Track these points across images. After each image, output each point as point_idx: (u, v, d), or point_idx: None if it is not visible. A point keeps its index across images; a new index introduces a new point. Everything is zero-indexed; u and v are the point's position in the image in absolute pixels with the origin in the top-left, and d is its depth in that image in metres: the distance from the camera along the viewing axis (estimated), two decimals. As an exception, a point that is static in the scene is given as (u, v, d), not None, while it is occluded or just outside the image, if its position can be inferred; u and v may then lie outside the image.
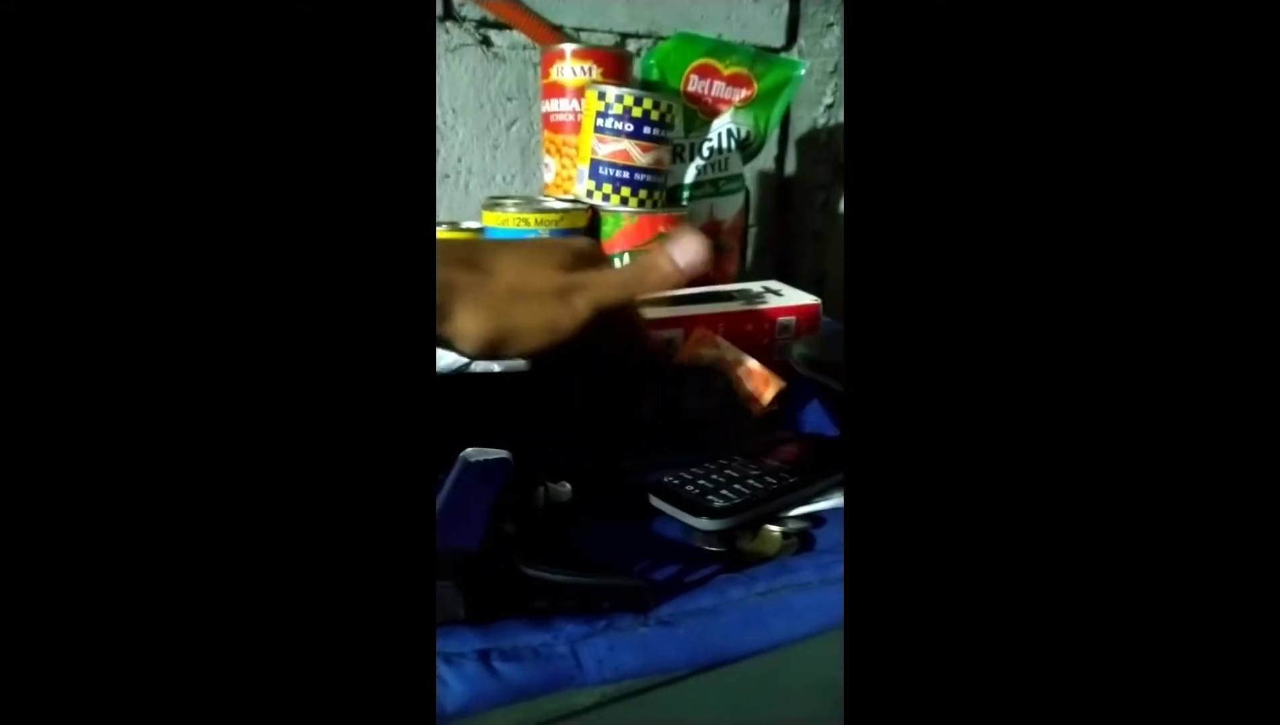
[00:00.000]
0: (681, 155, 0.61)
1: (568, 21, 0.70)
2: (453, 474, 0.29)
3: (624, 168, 0.53)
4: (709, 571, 0.27)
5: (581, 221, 0.54)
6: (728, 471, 0.33)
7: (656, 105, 0.53)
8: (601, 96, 0.53)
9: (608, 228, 0.55)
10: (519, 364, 0.43)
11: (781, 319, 0.49)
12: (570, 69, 0.57)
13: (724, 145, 0.63)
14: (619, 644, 0.22)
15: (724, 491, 0.31)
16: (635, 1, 0.72)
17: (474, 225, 0.58)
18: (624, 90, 0.52)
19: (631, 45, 0.74)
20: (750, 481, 0.31)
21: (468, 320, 0.31)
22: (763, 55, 0.64)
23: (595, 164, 0.54)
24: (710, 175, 0.63)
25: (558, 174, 0.60)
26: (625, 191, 0.54)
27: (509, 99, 0.70)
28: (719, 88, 0.64)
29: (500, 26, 0.68)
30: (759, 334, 0.48)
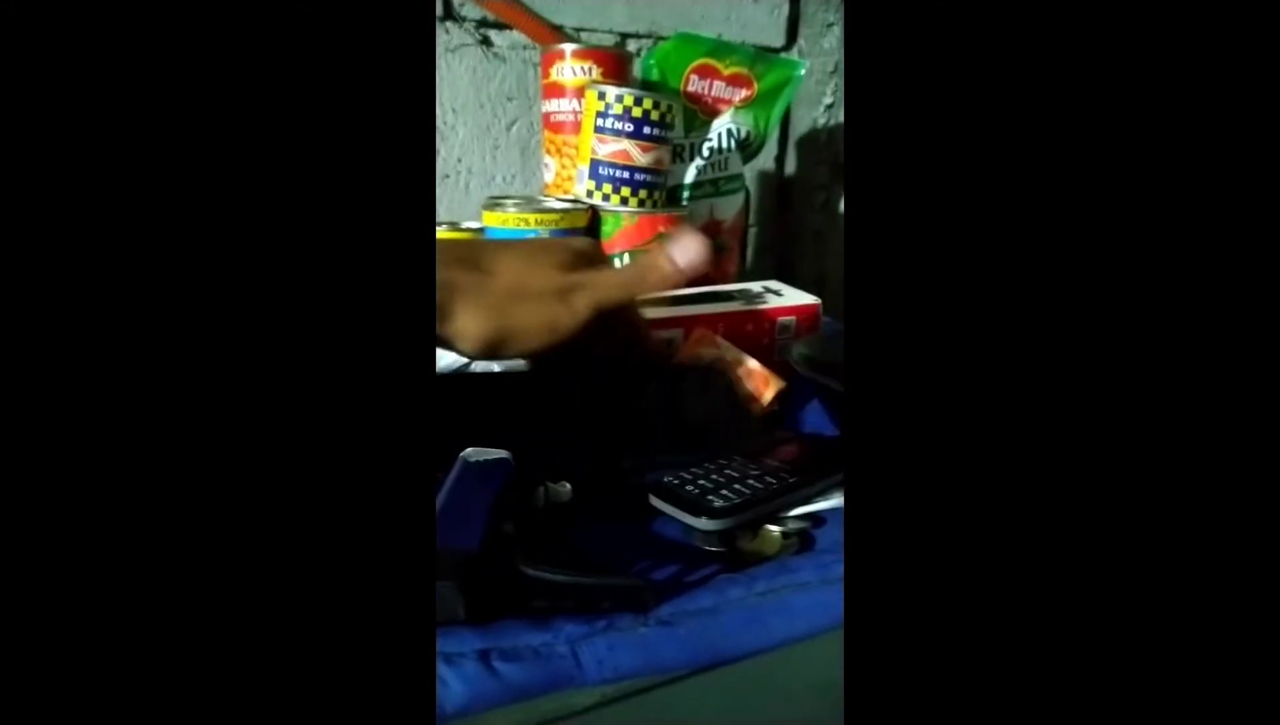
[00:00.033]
0: (681, 155, 0.61)
1: (568, 21, 0.70)
2: (452, 474, 0.29)
3: (624, 168, 0.53)
4: (709, 571, 0.27)
5: (581, 221, 0.54)
6: (728, 471, 0.33)
7: (656, 105, 0.53)
8: (601, 96, 0.53)
9: (608, 228, 0.55)
10: (519, 364, 0.43)
11: (781, 319, 0.49)
12: (570, 69, 0.57)
13: (724, 145, 0.63)
14: (619, 644, 0.22)
15: (724, 491, 0.31)
16: (635, 1, 0.72)
17: (474, 225, 0.58)
18: (624, 90, 0.52)
19: (631, 45, 0.74)
20: (750, 481, 0.31)
21: (468, 320, 0.31)
22: (763, 55, 0.64)
23: (595, 164, 0.54)
24: (710, 175, 0.63)
25: (558, 174, 0.60)
26: (625, 191, 0.54)
27: (509, 99, 0.70)
28: (719, 88, 0.64)
29: (500, 26, 0.68)
30: (759, 334, 0.48)
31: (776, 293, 0.51)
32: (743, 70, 0.64)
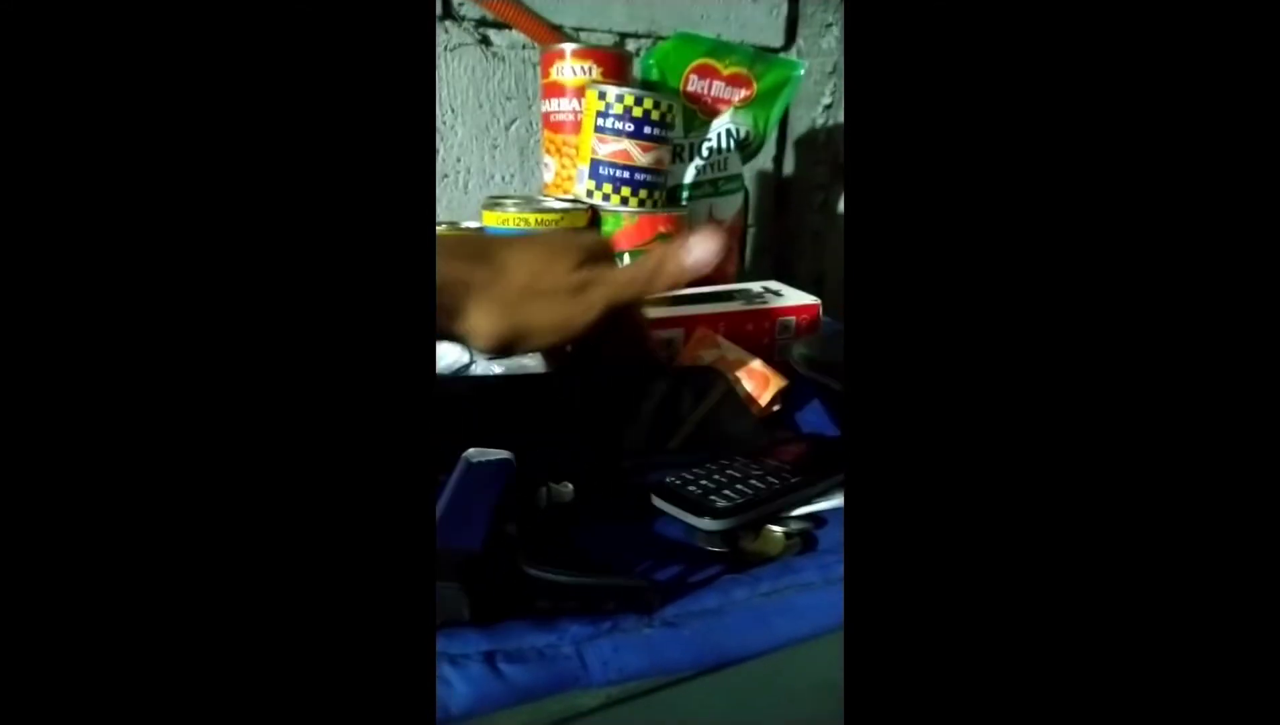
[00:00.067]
0: (681, 155, 0.61)
1: (567, 21, 0.69)
2: (455, 475, 0.29)
3: (624, 167, 0.53)
4: (712, 572, 0.27)
5: (581, 221, 0.54)
6: (729, 472, 0.33)
7: (657, 105, 0.53)
8: (602, 96, 0.53)
9: (608, 227, 0.55)
10: (525, 363, 0.43)
11: (782, 319, 0.49)
12: (570, 69, 0.57)
13: (723, 145, 0.63)
14: (624, 645, 0.22)
15: (726, 492, 0.31)
16: (634, 1, 0.72)
17: (473, 225, 0.58)
18: (624, 90, 0.52)
19: (631, 45, 0.74)
20: (752, 481, 0.31)
21: (481, 318, 0.31)
22: (762, 55, 0.64)
23: (595, 164, 0.54)
24: (709, 175, 0.63)
25: (557, 173, 0.60)
26: (625, 191, 0.54)
27: (508, 98, 0.70)
28: (718, 88, 0.64)
29: (499, 26, 0.68)
30: (759, 334, 0.48)
31: (776, 293, 0.52)
32: (742, 70, 0.64)
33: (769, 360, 0.43)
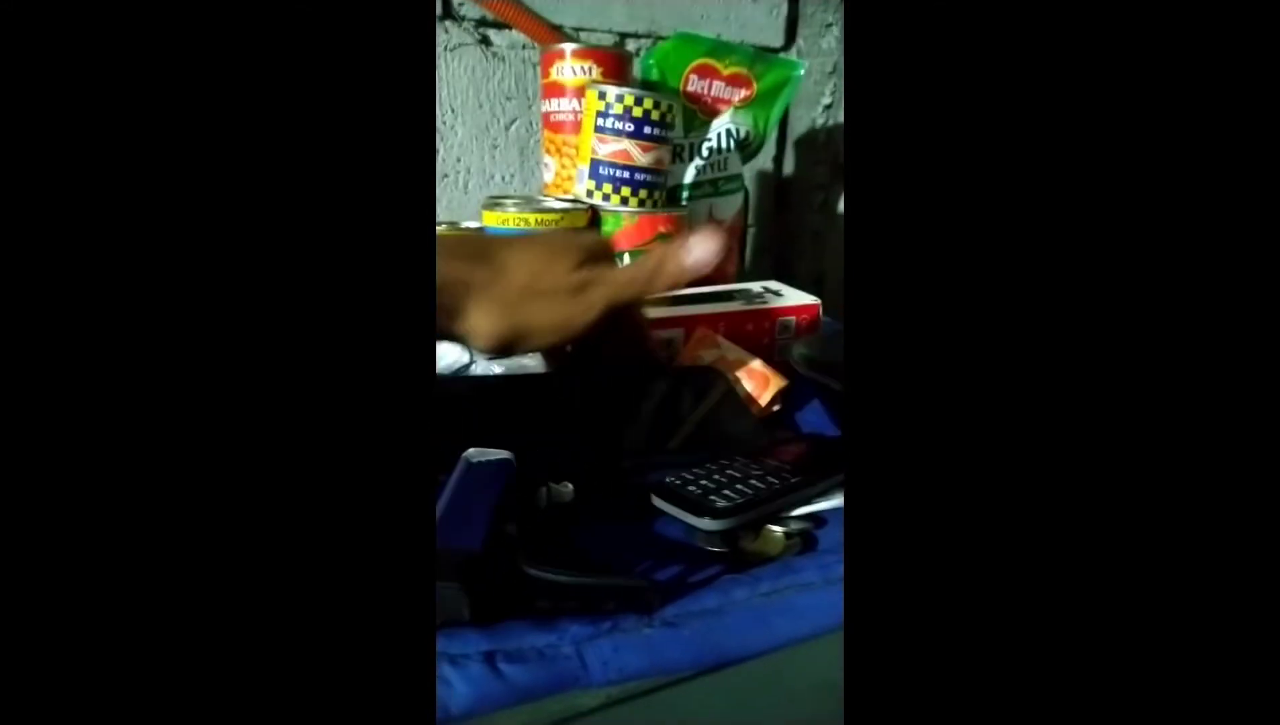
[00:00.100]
0: (681, 155, 0.61)
1: (567, 21, 0.69)
2: (454, 475, 0.29)
3: (624, 167, 0.53)
4: (712, 572, 0.27)
5: (581, 221, 0.54)
6: (729, 472, 0.33)
7: (657, 105, 0.53)
8: (602, 96, 0.53)
9: (608, 227, 0.55)
10: (525, 363, 0.43)
11: (782, 319, 0.49)
12: (570, 68, 0.57)
13: (723, 145, 0.63)
14: (624, 645, 0.22)
15: (726, 492, 0.31)
16: (634, 1, 0.72)
17: (473, 225, 0.58)
18: (624, 90, 0.52)
19: (630, 45, 0.74)
20: (752, 482, 0.31)
21: (481, 319, 0.31)
22: (762, 55, 0.64)
23: (595, 164, 0.54)
24: (709, 175, 0.63)
25: (557, 173, 0.60)
26: (625, 191, 0.54)
27: (508, 98, 0.70)
28: (718, 88, 0.64)
29: (499, 26, 0.68)
30: (759, 334, 0.48)
31: (776, 293, 0.52)
32: (742, 70, 0.64)
33: (769, 360, 0.43)
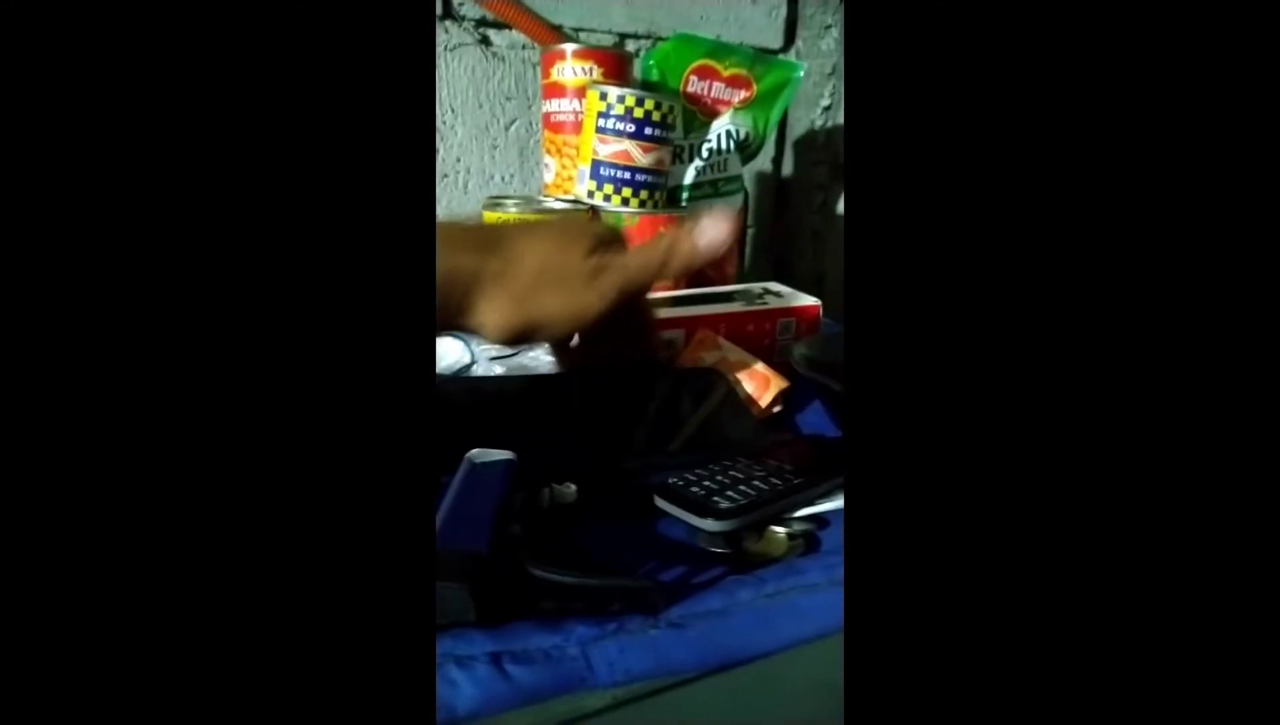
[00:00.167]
0: (681, 156, 0.61)
1: (567, 21, 0.69)
2: (458, 476, 0.29)
3: (625, 168, 0.53)
4: (716, 573, 0.27)
5: (582, 222, 0.54)
6: (732, 473, 0.33)
7: (658, 106, 0.53)
8: (603, 97, 0.53)
9: (608, 228, 0.55)
10: (526, 363, 0.43)
11: (783, 320, 0.49)
12: (571, 69, 0.57)
13: (723, 146, 0.63)
14: (629, 646, 0.22)
15: (729, 493, 0.31)
16: (634, 2, 0.72)
17: (474, 225, 0.58)
18: (626, 91, 0.52)
19: (630, 46, 0.74)
20: (755, 482, 0.31)
21: (492, 311, 0.30)
22: (762, 56, 0.64)
23: (596, 164, 0.54)
24: (709, 176, 0.63)
25: (558, 174, 0.60)
26: (626, 192, 0.54)
27: (508, 98, 0.70)
28: (718, 89, 0.64)
29: (499, 26, 0.68)
30: (760, 335, 0.48)
31: (776, 294, 0.52)
32: (742, 71, 0.64)
33: (769, 361, 0.43)
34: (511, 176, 0.73)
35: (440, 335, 0.45)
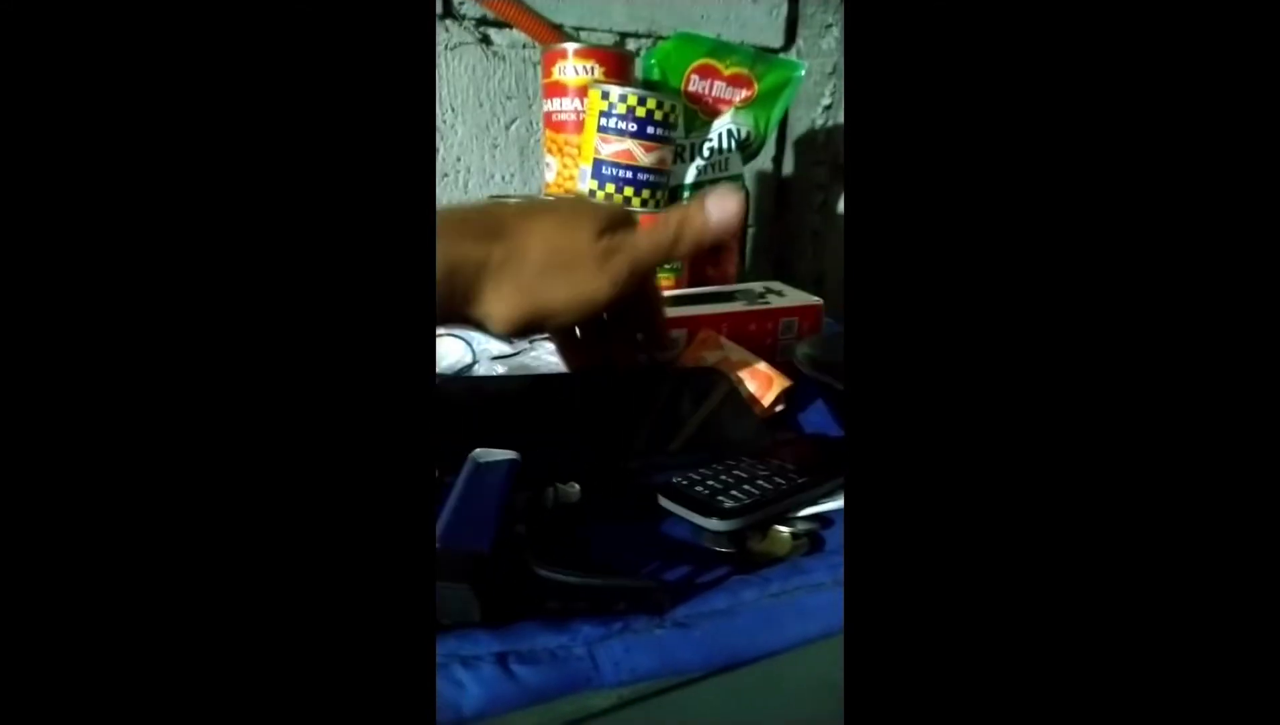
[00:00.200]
0: (682, 156, 0.61)
1: (567, 20, 0.69)
2: (462, 475, 0.29)
3: (627, 167, 0.53)
4: (721, 573, 0.27)
5: (583, 221, 0.54)
6: (736, 472, 0.33)
7: (660, 105, 0.53)
8: (605, 96, 0.53)
9: (609, 227, 0.55)
10: (527, 363, 0.43)
11: (785, 319, 0.49)
12: (572, 68, 0.57)
13: (724, 145, 0.63)
14: (635, 646, 0.22)
15: (734, 492, 0.31)
16: (635, 1, 0.72)
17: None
18: (627, 90, 0.52)
19: (631, 45, 0.74)
20: (760, 482, 0.31)
21: (498, 302, 0.29)
22: (763, 56, 0.64)
23: (598, 163, 0.54)
24: (710, 175, 0.63)
25: (559, 173, 0.60)
26: (628, 191, 0.54)
27: (508, 97, 0.70)
28: (719, 88, 0.64)
29: (500, 25, 0.68)
30: (762, 335, 0.48)
31: (778, 293, 0.52)
32: (743, 70, 0.64)
33: (772, 361, 0.43)
34: (512, 176, 0.73)
35: (445, 328, 0.45)
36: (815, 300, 0.50)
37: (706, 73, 0.63)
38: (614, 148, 0.53)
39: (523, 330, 0.31)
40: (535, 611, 0.23)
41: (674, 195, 0.61)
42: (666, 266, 0.57)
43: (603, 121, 0.53)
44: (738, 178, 0.65)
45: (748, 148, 0.65)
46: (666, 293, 0.50)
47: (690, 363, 0.43)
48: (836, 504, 0.32)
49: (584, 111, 0.55)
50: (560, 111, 0.58)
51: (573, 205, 0.35)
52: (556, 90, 0.58)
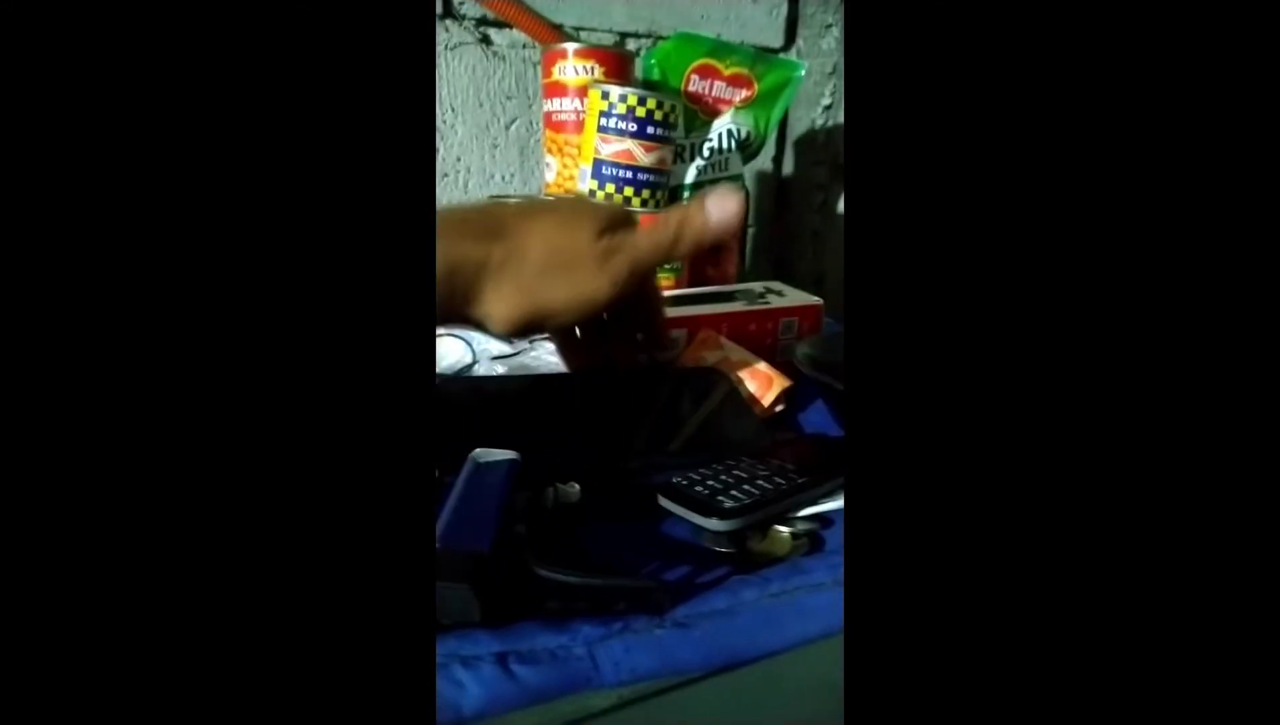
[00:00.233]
0: (682, 155, 0.61)
1: (567, 20, 0.69)
2: (462, 475, 0.29)
3: (627, 167, 0.53)
4: (721, 573, 0.27)
5: (583, 221, 0.54)
6: (736, 472, 0.33)
7: (660, 105, 0.53)
8: (605, 96, 0.53)
9: (609, 227, 0.55)
10: (527, 363, 0.43)
11: (785, 319, 0.49)
12: (572, 68, 0.57)
13: (724, 145, 0.63)
14: (635, 646, 0.22)
15: (734, 492, 0.31)
16: (635, 1, 0.72)
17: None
18: (628, 90, 0.52)
19: (631, 45, 0.74)
20: (760, 482, 0.31)
21: (497, 302, 0.29)
22: (763, 56, 0.64)
23: (598, 163, 0.54)
24: (711, 176, 0.63)
25: (559, 173, 0.60)
26: (628, 191, 0.54)
27: (508, 97, 0.70)
28: (719, 88, 0.64)
29: (500, 25, 0.68)
30: (762, 335, 0.48)
31: (778, 293, 0.52)
32: (743, 70, 0.64)
33: (772, 361, 0.43)
34: (512, 176, 0.73)
35: (444, 328, 0.45)
36: (815, 300, 0.50)
37: (706, 73, 0.63)
38: (614, 148, 0.53)
39: (523, 330, 0.31)
40: (535, 611, 0.23)
41: (674, 195, 0.61)
42: (666, 267, 0.57)
43: (603, 121, 0.53)
44: (738, 178, 0.65)
45: (748, 148, 0.65)
46: (666, 293, 0.50)
47: (690, 363, 0.43)
48: (836, 504, 0.32)
49: (584, 111, 0.55)
50: (560, 111, 0.58)
51: (573, 205, 0.35)
52: (556, 90, 0.58)
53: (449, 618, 0.22)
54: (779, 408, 0.42)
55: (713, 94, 0.63)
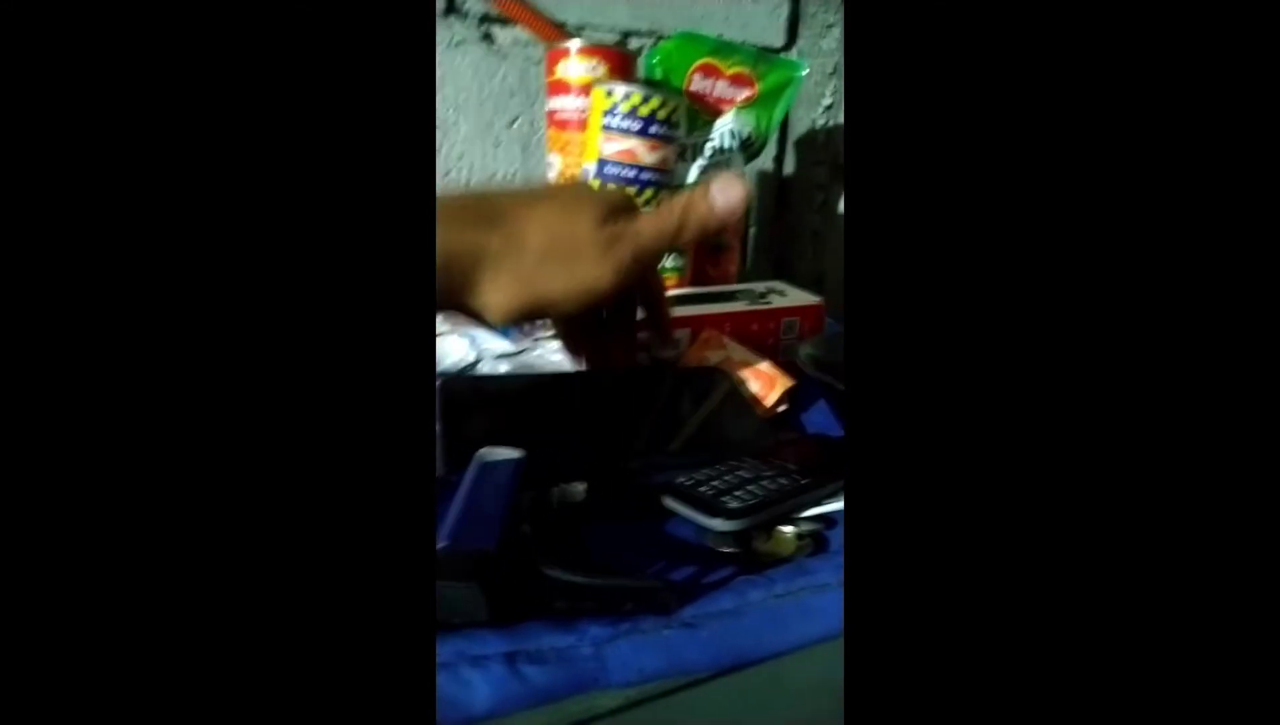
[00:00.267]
0: (684, 155, 0.61)
1: (570, 19, 0.69)
2: (468, 474, 0.29)
3: (630, 166, 0.53)
4: (727, 573, 0.27)
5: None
6: (740, 472, 0.33)
7: (664, 104, 0.53)
8: (609, 94, 0.52)
9: (612, 226, 0.55)
10: (530, 362, 0.43)
11: (786, 319, 0.49)
12: (576, 66, 0.57)
13: (726, 145, 0.63)
14: (642, 646, 0.22)
15: (738, 492, 0.31)
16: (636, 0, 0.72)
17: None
18: (632, 88, 0.52)
19: (633, 43, 0.74)
20: (764, 482, 0.32)
21: (496, 291, 0.28)
22: (764, 55, 0.64)
23: (602, 162, 0.54)
24: (712, 175, 0.63)
25: (562, 172, 0.60)
26: (631, 190, 0.54)
27: (511, 95, 0.70)
28: (721, 87, 0.64)
29: (502, 22, 0.68)
30: (764, 334, 0.48)
31: (780, 293, 0.52)
32: (745, 70, 0.64)
33: (774, 360, 0.43)
34: (514, 174, 0.72)
35: (441, 318, 0.44)
36: (817, 300, 0.50)
37: (709, 72, 0.63)
38: (617, 146, 0.53)
39: (521, 320, 0.30)
40: (542, 611, 0.23)
41: (676, 195, 0.61)
42: (668, 267, 0.57)
43: (606, 120, 0.53)
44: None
45: (750, 147, 0.65)
46: (668, 292, 0.50)
47: (693, 362, 0.43)
48: (840, 504, 0.32)
49: (587, 110, 0.55)
50: (563, 110, 0.58)
51: (573, 191, 0.34)
52: (560, 88, 0.58)
53: (457, 617, 0.22)
54: (782, 408, 0.42)
55: (715, 93, 0.63)
